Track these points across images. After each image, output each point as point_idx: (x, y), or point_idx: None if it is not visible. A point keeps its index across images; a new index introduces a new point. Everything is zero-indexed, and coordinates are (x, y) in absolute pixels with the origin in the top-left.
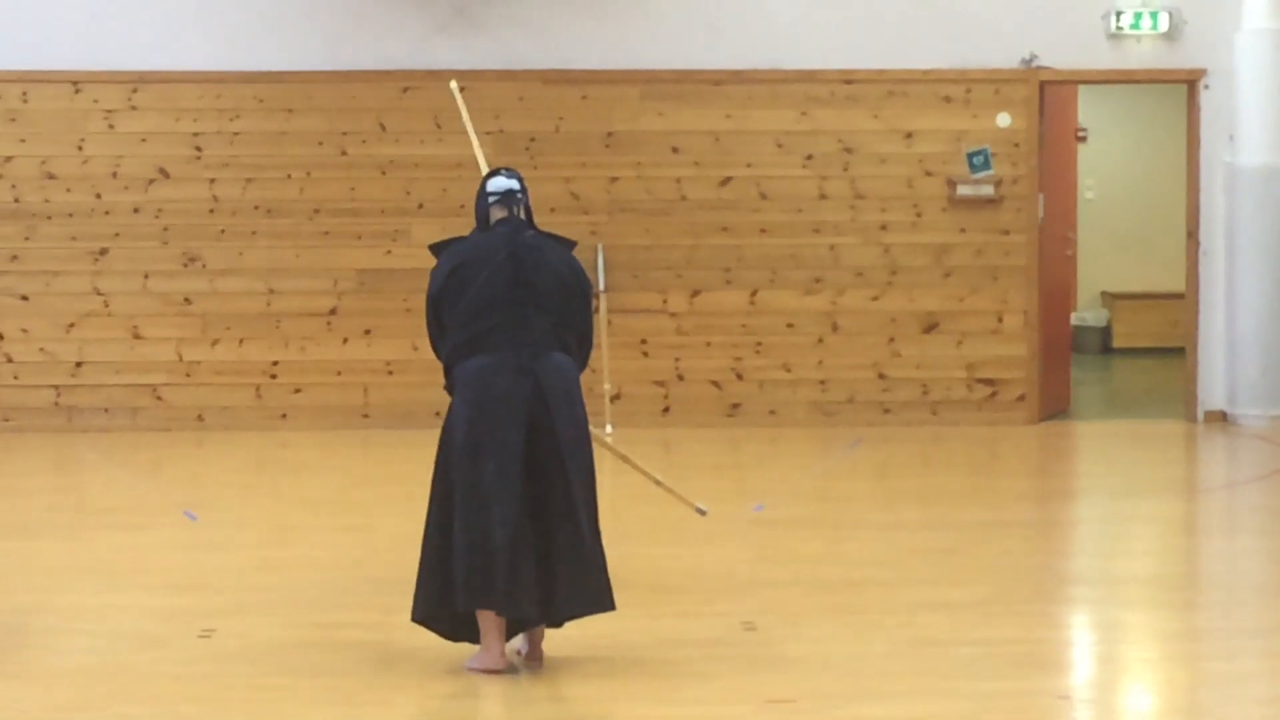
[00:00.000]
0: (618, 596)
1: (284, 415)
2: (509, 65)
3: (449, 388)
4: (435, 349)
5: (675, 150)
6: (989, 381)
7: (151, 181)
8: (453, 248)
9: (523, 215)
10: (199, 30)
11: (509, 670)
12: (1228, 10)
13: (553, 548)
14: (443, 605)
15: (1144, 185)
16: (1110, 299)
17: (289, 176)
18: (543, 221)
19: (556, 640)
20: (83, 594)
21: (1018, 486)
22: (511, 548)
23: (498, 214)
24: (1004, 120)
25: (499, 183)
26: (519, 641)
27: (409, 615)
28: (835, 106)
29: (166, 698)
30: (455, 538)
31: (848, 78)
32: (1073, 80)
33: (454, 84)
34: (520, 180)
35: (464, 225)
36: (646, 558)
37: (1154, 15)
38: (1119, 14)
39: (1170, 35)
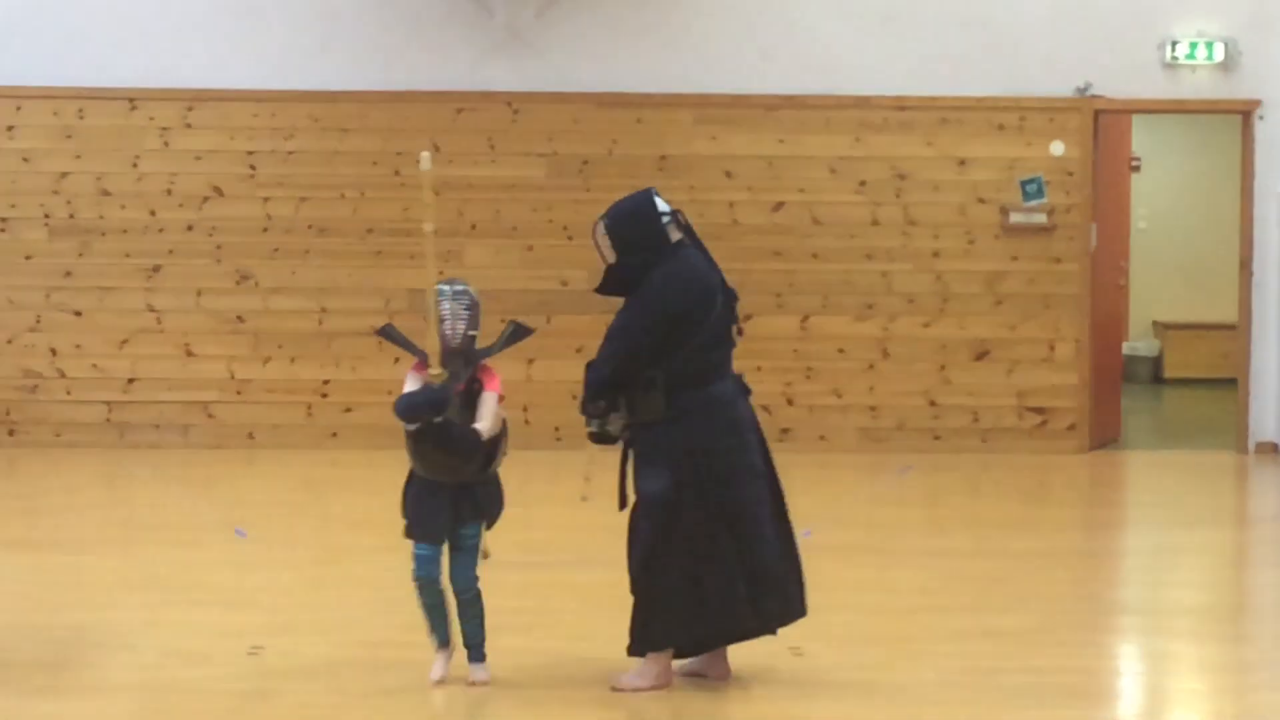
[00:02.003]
0: None
1: (334, 434)
2: (563, 88)
3: (599, 400)
4: (636, 362)
5: (728, 174)
6: (1039, 410)
7: (205, 199)
8: (688, 268)
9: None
10: (254, 50)
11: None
12: None
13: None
14: (704, 630)
15: (1197, 215)
16: (1162, 329)
17: (342, 196)
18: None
19: (601, 664)
20: (132, 610)
21: (1067, 515)
22: (781, 570)
23: (674, 234)
24: (1058, 148)
25: (663, 203)
26: (697, 662)
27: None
28: (889, 133)
29: (214, 714)
30: (729, 565)
31: (901, 104)
32: (1127, 109)
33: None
34: None
35: (516, 247)
36: None
37: (1209, 45)
38: (1174, 44)
39: (1226, 66)
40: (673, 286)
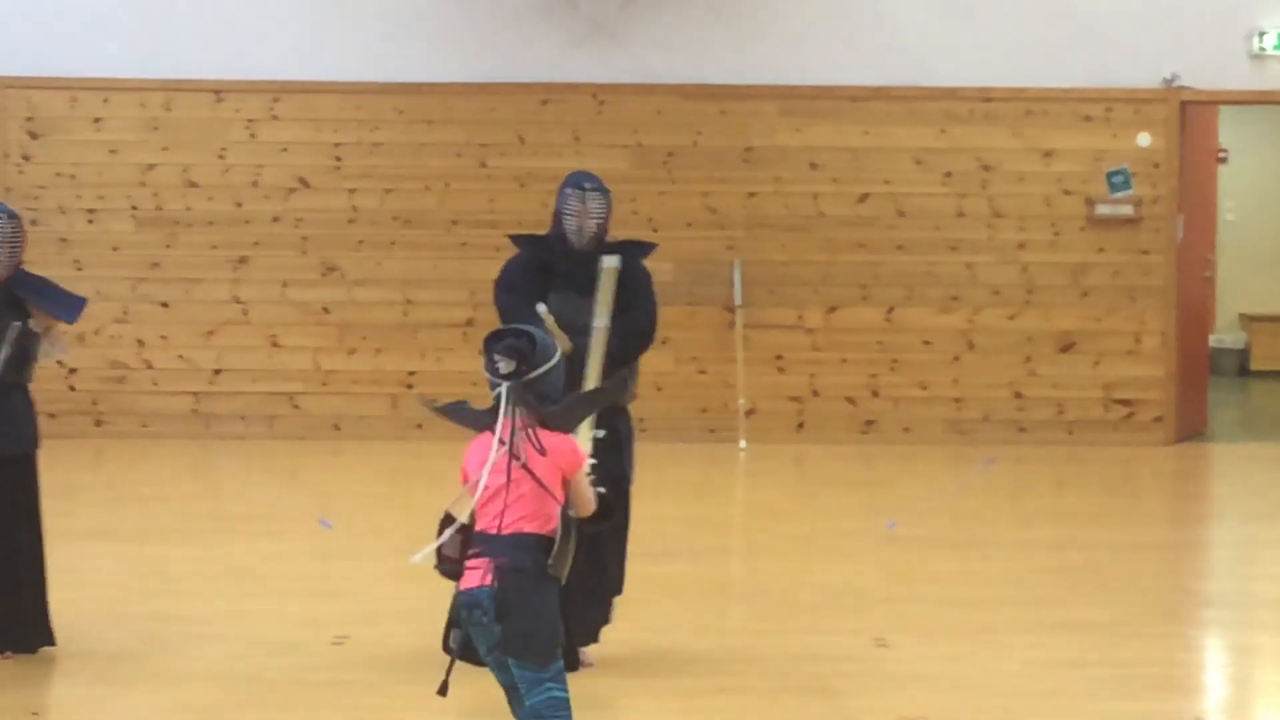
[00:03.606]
0: (750, 609)
1: (419, 426)
2: (647, 79)
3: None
4: None
5: (813, 166)
6: (1125, 402)
7: (291, 191)
8: None
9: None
10: (340, 42)
11: None
12: None
13: None
14: None
15: None
16: (1248, 321)
17: (428, 188)
18: (679, 235)
19: (685, 655)
20: (218, 600)
21: (1153, 508)
22: None
23: None
24: (1144, 140)
25: None
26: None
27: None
28: (974, 124)
29: (299, 704)
30: None
31: (987, 95)
32: (1214, 101)
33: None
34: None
35: None
36: (780, 573)
37: None
38: (1262, 35)
39: None
40: None
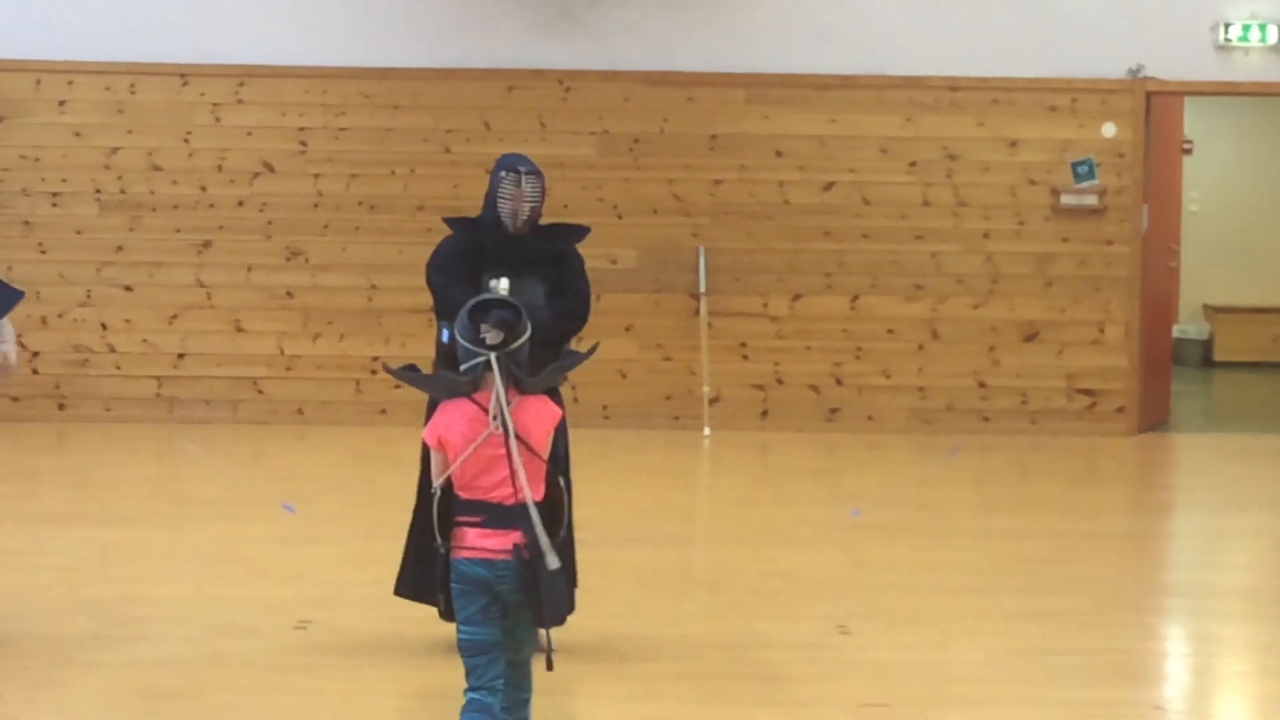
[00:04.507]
0: (713, 596)
1: (383, 410)
2: (614, 66)
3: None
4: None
5: (779, 154)
6: (1089, 392)
7: (256, 175)
8: None
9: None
10: (307, 26)
11: None
12: None
13: None
14: None
15: (1248, 198)
16: (1212, 312)
17: (393, 173)
18: (644, 222)
19: (650, 642)
20: (181, 584)
21: (1115, 497)
22: None
23: None
24: (1109, 130)
25: None
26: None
27: None
28: (940, 113)
29: (261, 688)
30: None
31: (953, 85)
32: (1179, 91)
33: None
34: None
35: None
36: (743, 561)
37: (1263, 27)
38: (1227, 26)
39: (1279, 48)
40: None
